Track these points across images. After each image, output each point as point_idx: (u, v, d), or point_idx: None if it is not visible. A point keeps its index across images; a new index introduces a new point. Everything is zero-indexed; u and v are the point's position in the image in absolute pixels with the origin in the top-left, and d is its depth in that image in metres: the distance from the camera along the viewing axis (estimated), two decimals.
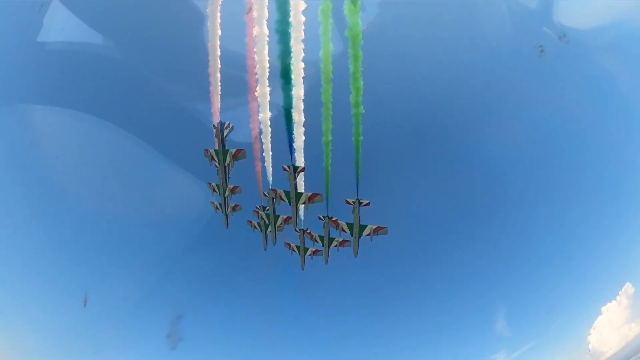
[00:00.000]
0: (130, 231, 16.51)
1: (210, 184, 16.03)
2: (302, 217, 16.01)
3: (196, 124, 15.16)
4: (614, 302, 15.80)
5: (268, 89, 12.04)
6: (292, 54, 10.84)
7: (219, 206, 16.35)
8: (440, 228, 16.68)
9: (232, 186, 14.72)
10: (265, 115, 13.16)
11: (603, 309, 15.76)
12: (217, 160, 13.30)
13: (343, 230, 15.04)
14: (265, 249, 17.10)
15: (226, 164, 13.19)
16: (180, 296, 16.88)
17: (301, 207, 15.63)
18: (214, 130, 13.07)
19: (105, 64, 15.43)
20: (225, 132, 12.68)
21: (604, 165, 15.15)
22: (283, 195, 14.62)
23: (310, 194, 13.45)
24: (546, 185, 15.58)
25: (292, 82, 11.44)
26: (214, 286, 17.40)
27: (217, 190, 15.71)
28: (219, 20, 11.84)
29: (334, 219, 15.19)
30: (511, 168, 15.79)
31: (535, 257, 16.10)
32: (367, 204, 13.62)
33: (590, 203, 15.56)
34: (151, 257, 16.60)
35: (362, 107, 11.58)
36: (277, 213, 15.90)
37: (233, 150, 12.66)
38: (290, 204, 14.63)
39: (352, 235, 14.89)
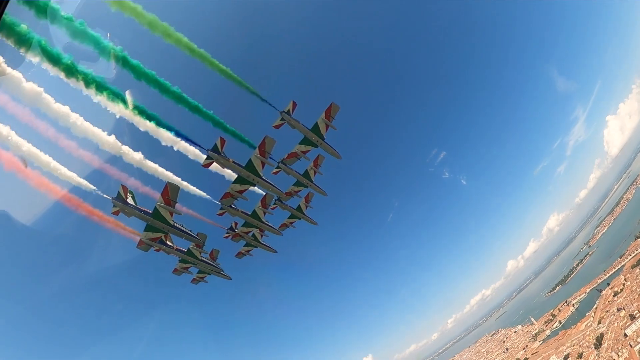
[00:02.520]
0: None
1: (175, 269, 13.10)
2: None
3: None
4: None
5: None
6: None
7: (203, 273, 13.63)
8: None
9: (197, 235, 12.19)
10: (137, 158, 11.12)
11: None
12: (160, 230, 10.24)
13: (304, 153, 14.15)
14: (276, 252, 15.45)
15: (172, 222, 10.34)
16: None
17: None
18: (119, 210, 9.87)
19: None
20: (129, 197, 9.65)
21: None
22: (238, 187, 12.69)
23: (257, 151, 11.87)
24: None
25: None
26: None
27: (189, 262, 12.82)
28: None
29: (285, 165, 14.47)
30: None
31: None
32: (295, 106, 12.74)
33: None
34: None
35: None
36: (246, 212, 14.18)
37: (161, 200, 9.80)
38: (254, 183, 12.89)
39: (317, 146, 14.22)
